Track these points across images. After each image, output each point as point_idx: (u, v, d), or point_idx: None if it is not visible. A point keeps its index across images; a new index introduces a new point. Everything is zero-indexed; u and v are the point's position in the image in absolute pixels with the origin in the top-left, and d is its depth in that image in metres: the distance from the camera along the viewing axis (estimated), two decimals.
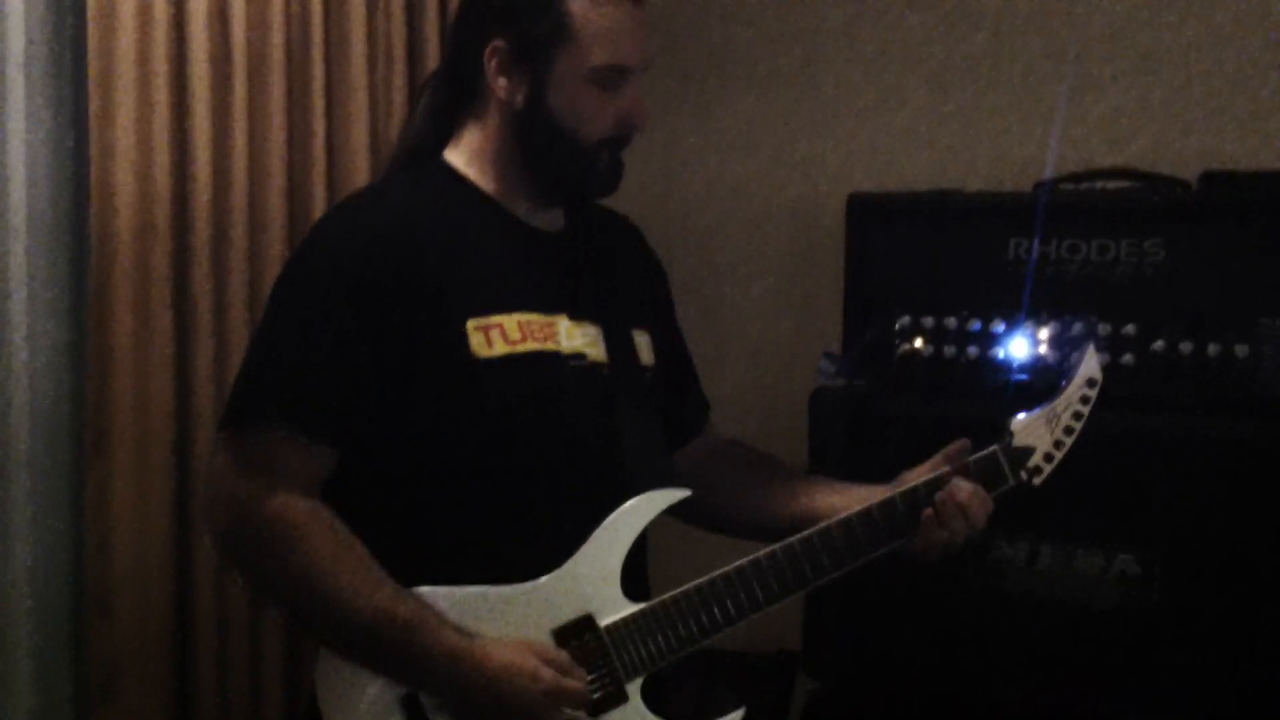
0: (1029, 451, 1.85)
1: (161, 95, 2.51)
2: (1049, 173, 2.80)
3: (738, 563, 1.76)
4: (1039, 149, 2.97)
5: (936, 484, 1.82)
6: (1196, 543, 2.35)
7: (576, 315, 1.80)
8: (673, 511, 1.78)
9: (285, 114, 2.72)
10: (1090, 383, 1.86)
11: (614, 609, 1.70)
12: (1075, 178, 2.69)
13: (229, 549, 1.71)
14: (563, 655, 1.66)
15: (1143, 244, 2.48)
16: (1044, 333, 2.46)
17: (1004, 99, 3.06)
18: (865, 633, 2.55)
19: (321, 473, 1.69)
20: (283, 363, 1.69)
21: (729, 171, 3.34)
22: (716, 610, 1.73)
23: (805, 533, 1.79)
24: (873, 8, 3.17)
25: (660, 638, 1.71)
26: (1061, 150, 2.92)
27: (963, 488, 1.81)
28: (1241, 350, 2.37)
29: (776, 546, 1.77)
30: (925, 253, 2.64)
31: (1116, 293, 2.49)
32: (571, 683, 1.64)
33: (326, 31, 2.80)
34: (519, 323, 1.73)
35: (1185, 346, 2.40)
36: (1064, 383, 1.87)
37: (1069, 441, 1.86)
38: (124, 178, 2.47)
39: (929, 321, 2.55)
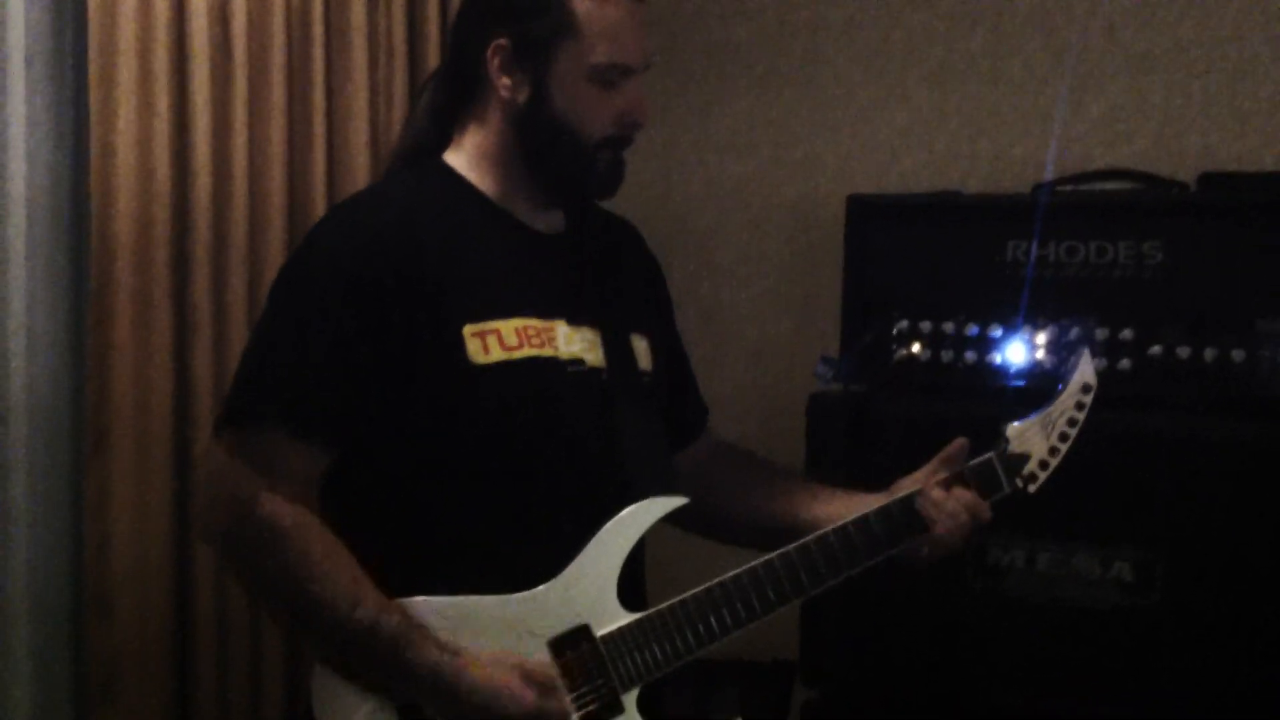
0: (1024, 458, 1.85)
1: (162, 95, 2.51)
2: (1048, 174, 2.80)
3: (734, 571, 1.75)
4: (1038, 150, 2.97)
5: (910, 499, 1.83)
6: (1195, 544, 2.35)
7: (575, 320, 1.80)
8: (670, 518, 1.77)
9: (286, 113, 2.71)
10: (1085, 388, 1.86)
11: (610, 619, 1.70)
12: (1074, 179, 2.69)
13: (226, 549, 1.72)
14: (547, 671, 1.65)
15: (1141, 246, 2.49)
16: (1041, 337, 2.46)
17: (1003, 100, 3.06)
18: (862, 640, 2.55)
19: (314, 474, 1.68)
20: (279, 363, 1.69)
21: (728, 172, 3.34)
22: (713, 620, 1.73)
23: (802, 541, 1.78)
24: (872, 8, 3.17)
25: (657, 648, 1.71)
26: (1060, 151, 2.92)
27: (959, 496, 1.81)
28: (1239, 353, 2.38)
29: (773, 555, 1.77)
30: (923, 254, 2.64)
31: (1115, 294, 2.49)
32: (553, 704, 1.63)
33: (327, 30, 2.80)
34: (516, 328, 1.73)
35: (1183, 350, 2.40)
36: (1059, 388, 1.87)
37: (1064, 448, 1.86)
38: (124, 178, 2.47)
39: (926, 326, 2.55)
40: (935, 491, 1.83)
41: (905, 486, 1.85)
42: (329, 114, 2.82)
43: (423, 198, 1.77)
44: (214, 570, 2.59)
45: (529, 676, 1.63)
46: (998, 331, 2.50)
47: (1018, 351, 2.47)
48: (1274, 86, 2.83)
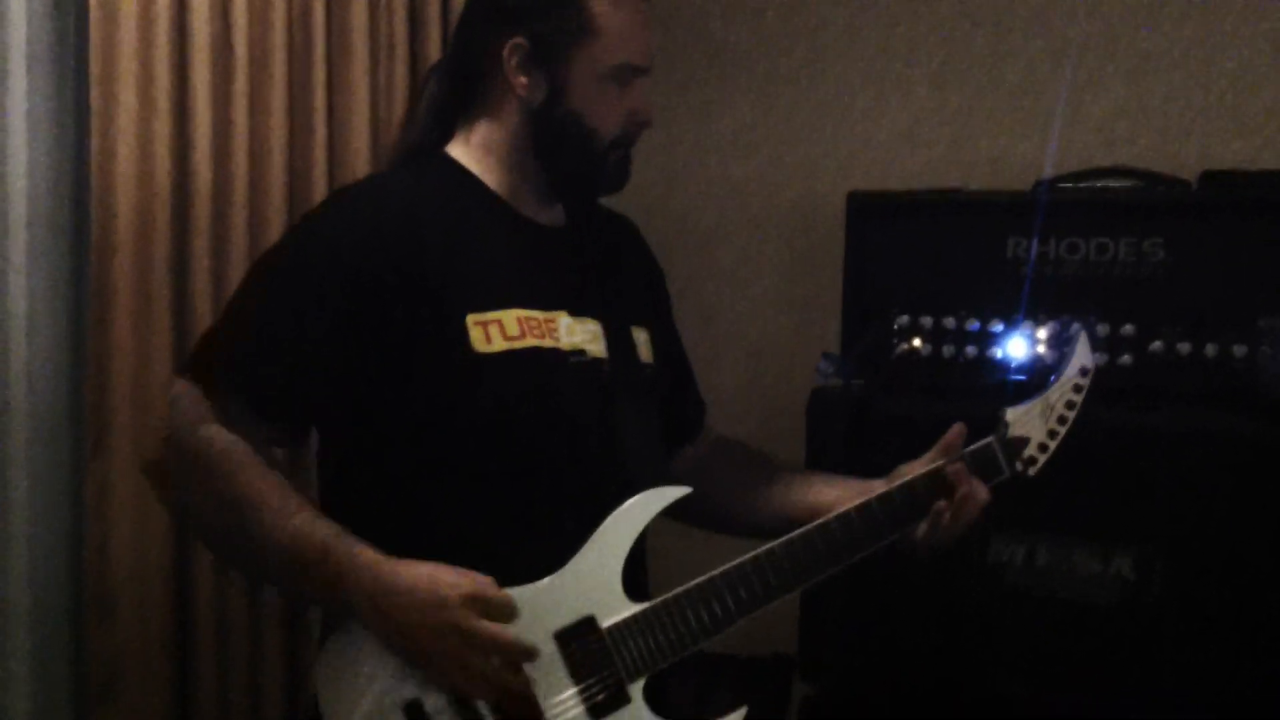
0: (1024, 442, 1.87)
1: (163, 94, 2.51)
2: (1048, 171, 2.80)
3: (738, 559, 1.75)
4: (1039, 148, 2.97)
5: (934, 476, 1.83)
6: (1195, 540, 2.35)
7: (577, 311, 1.81)
8: (672, 513, 1.77)
9: (286, 112, 2.71)
10: (1083, 371, 1.88)
11: (615, 610, 1.70)
12: (1075, 176, 2.69)
13: (156, 474, 1.76)
14: (485, 581, 1.62)
15: (1142, 243, 2.49)
16: (1042, 333, 2.46)
17: (1004, 98, 3.06)
18: (862, 635, 2.55)
19: (257, 439, 1.69)
20: (251, 334, 1.72)
21: (729, 172, 3.34)
22: (718, 607, 1.73)
23: (805, 528, 1.79)
24: (873, 9, 3.18)
25: (662, 636, 1.71)
26: (1061, 149, 2.92)
27: (959, 479, 1.82)
28: (1240, 350, 2.38)
29: (776, 542, 1.77)
30: (924, 251, 2.64)
31: (1115, 292, 2.50)
32: (490, 590, 1.60)
33: (328, 29, 2.80)
34: (519, 318, 1.74)
35: (1184, 347, 2.40)
36: (1056, 374, 1.88)
37: (1063, 431, 1.88)
38: (125, 178, 2.47)
39: (927, 321, 2.55)
40: (953, 466, 1.83)
41: (904, 475, 1.86)
42: (330, 113, 2.82)
43: (426, 190, 1.79)
44: (214, 571, 2.59)
45: (462, 571, 1.61)
46: (999, 327, 2.50)
47: (1019, 347, 2.47)
48: (1275, 86, 2.84)
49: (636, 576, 1.76)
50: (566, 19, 1.75)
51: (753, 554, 1.76)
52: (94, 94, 2.44)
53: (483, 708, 1.63)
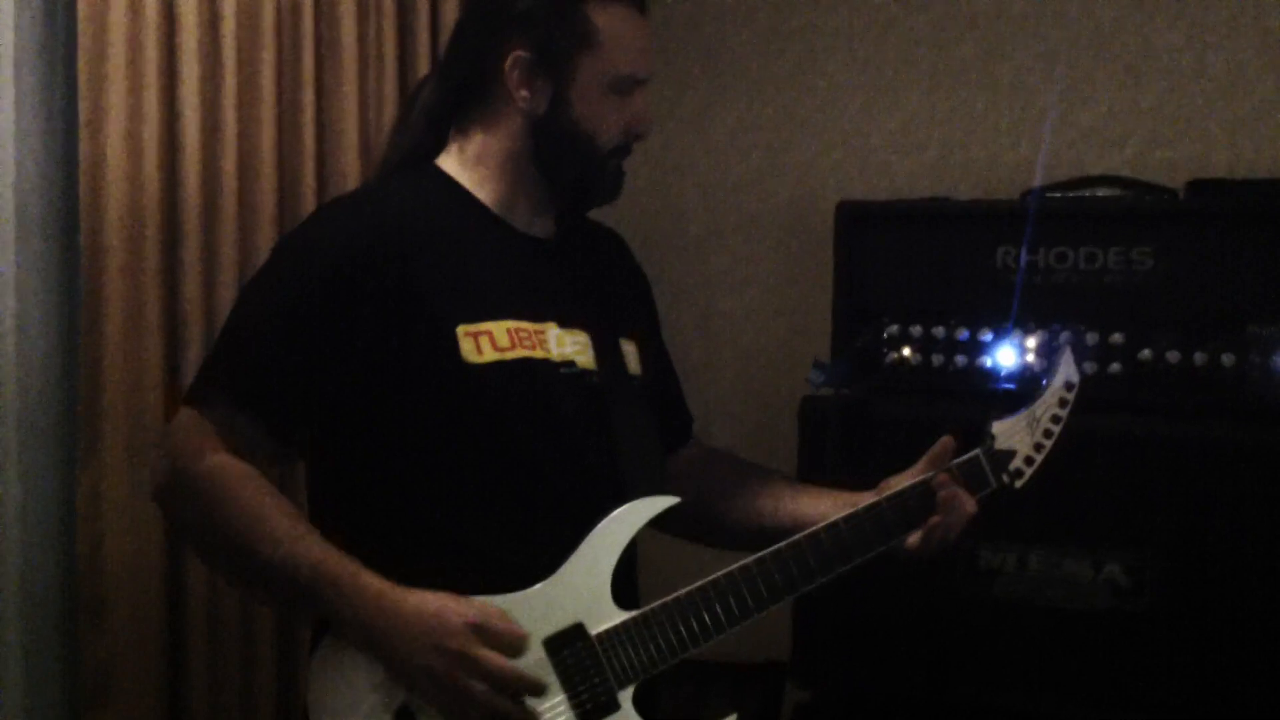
0: (1010, 454, 1.88)
1: (152, 100, 2.51)
2: (1038, 180, 2.81)
3: (728, 568, 1.76)
4: (1028, 156, 2.99)
5: (922, 488, 1.84)
6: (1186, 547, 2.37)
7: (566, 323, 1.81)
8: (659, 524, 1.78)
9: (276, 119, 2.71)
10: (1068, 386, 1.89)
11: (605, 617, 1.70)
12: (1064, 185, 2.71)
13: (164, 503, 1.75)
14: (489, 605, 1.64)
15: (1130, 252, 2.50)
16: (1031, 341, 2.48)
17: (994, 106, 3.07)
18: (854, 642, 2.55)
19: (263, 454, 1.70)
20: (248, 346, 1.73)
21: (721, 177, 3.35)
22: (707, 616, 1.73)
23: (793, 538, 1.79)
24: (864, 14, 3.19)
25: (652, 645, 1.71)
26: (1050, 158, 2.93)
27: (946, 491, 1.83)
28: (1228, 358, 2.39)
29: (765, 552, 1.77)
30: (914, 260, 2.65)
31: (1104, 300, 2.51)
32: (495, 620, 1.62)
33: (317, 37, 2.80)
34: (508, 329, 1.74)
35: (1173, 355, 2.41)
36: (1044, 384, 1.89)
37: (1049, 444, 1.88)
38: (114, 183, 2.46)
39: (917, 330, 2.56)
40: (939, 477, 1.84)
41: (891, 486, 1.86)
42: (319, 120, 2.82)
43: (417, 201, 1.79)
44: (206, 573, 2.59)
45: (471, 600, 1.63)
46: (988, 336, 2.51)
47: (1008, 355, 2.48)
48: (1262, 94, 2.85)
49: (627, 585, 1.76)
50: (569, 30, 1.75)
51: (742, 563, 1.76)
52: (83, 100, 2.44)
53: None
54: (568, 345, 1.80)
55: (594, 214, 1.97)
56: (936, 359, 2.55)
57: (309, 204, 2.77)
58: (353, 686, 1.65)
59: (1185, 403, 2.41)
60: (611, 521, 1.73)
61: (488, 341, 1.72)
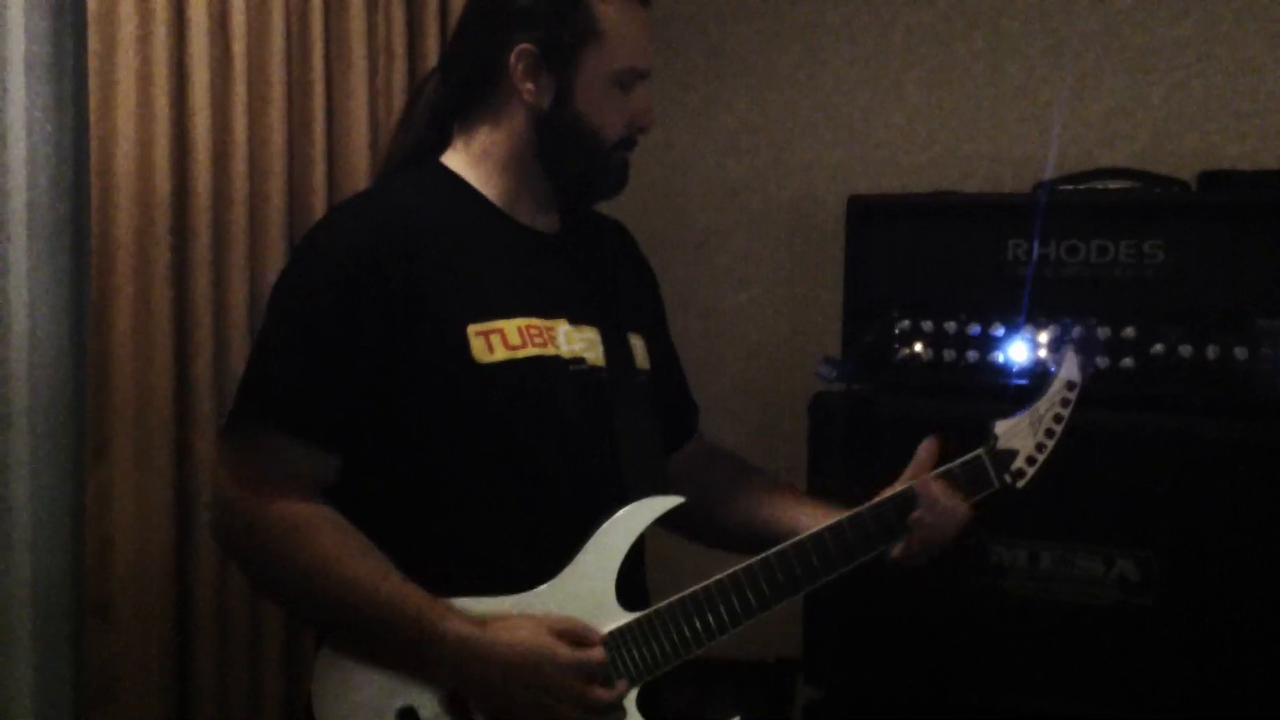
0: (1012, 454, 1.88)
1: (162, 98, 2.51)
2: (1048, 173, 2.80)
3: (731, 569, 1.76)
4: (1038, 149, 2.97)
5: (902, 498, 1.83)
6: (1198, 543, 2.36)
7: (576, 319, 1.81)
8: (662, 522, 1.77)
9: (285, 116, 2.71)
10: (1069, 385, 1.89)
11: (610, 618, 1.70)
12: (1074, 178, 2.69)
13: (237, 555, 1.76)
14: (575, 624, 1.66)
15: (1142, 245, 2.49)
16: (1043, 336, 2.46)
17: (1002, 99, 3.06)
18: (865, 639, 2.55)
19: (321, 476, 1.70)
20: (277, 366, 1.71)
21: (727, 172, 3.34)
22: (711, 617, 1.73)
23: (797, 537, 1.79)
24: (870, 8, 3.18)
25: (657, 645, 1.71)
26: (1060, 151, 2.92)
27: (930, 497, 1.82)
28: (1241, 351, 2.38)
29: (769, 552, 1.77)
30: (924, 254, 2.64)
31: (1116, 293, 2.50)
32: (587, 655, 1.65)
33: (326, 33, 2.80)
34: (519, 328, 1.73)
35: (1185, 349, 2.40)
36: (1044, 386, 1.89)
37: (1051, 444, 1.88)
38: (124, 182, 2.47)
39: (928, 325, 2.55)
40: (935, 484, 1.83)
41: (889, 491, 1.86)
42: (329, 116, 2.82)
43: (423, 199, 1.78)
44: (214, 572, 2.60)
45: (561, 633, 1.64)
46: (999, 330, 2.50)
47: (1020, 350, 2.47)
48: (1273, 85, 2.84)
49: (634, 584, 1.76)
50: (574, 23, 1.75)
51: (745, 563, 1.76)
52: (93, 99, 2.45)
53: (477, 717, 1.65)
54: (577, 342, 1.79)
55: (599, 209, 1.96)
56: (948, 354, 2.54)
57: (319, 202, 2.77)
58: (356, 685, 1.65)
59: (1197, 397, 2.40)
60: (616, 522, 1.72)
61: (499, 340, 1.71)
